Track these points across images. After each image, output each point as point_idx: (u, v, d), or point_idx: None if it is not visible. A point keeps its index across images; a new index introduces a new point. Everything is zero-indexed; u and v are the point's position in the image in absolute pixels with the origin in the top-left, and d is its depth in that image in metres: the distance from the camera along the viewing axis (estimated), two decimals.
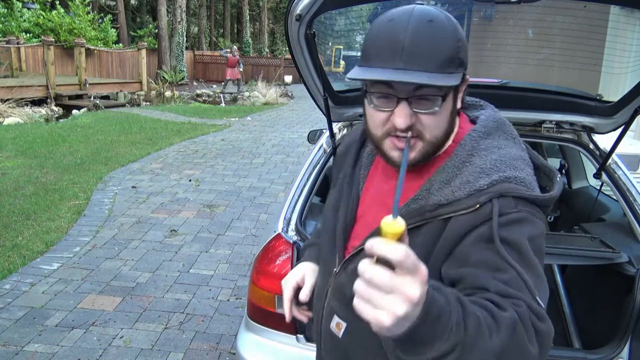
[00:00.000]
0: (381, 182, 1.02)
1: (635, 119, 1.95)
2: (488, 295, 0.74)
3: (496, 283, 0.76)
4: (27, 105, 11.77)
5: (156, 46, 19.82)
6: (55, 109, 12.49)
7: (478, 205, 0.83)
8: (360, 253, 0.95)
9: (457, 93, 0.92)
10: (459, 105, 0.93)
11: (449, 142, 0.95)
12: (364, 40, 0.89)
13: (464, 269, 0.81)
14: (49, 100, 12.60)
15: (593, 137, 2.24)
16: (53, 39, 13.37)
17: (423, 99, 0.85)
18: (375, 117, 0.89)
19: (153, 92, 15.85)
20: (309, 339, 1.84)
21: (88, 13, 16.94)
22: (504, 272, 0.77)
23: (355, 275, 0.60)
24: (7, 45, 13.68)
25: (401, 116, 0.84)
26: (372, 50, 0.86)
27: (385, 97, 0.86)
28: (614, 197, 2.19)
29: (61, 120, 11.24)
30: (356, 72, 0.85)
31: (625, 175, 2.13)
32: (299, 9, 1.64)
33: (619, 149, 2.08)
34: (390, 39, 0.83)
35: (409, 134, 0.86)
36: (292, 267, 1.79)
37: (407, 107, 0.84)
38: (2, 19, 15.24)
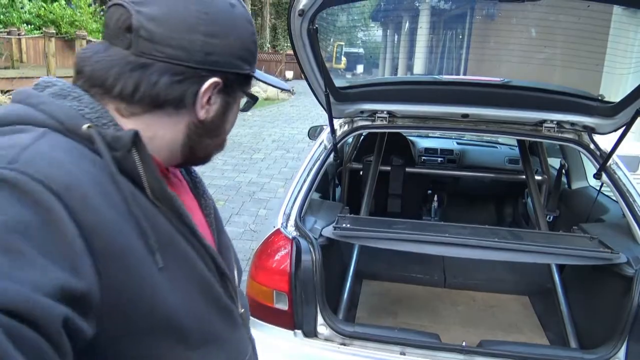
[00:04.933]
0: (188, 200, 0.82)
1: (637, 120, 1.95)
2: None
3: None
4: None
5: None
6: None
7: None
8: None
9: None
10: None
11: None
12: (253, 41, 0.75)
13: None
14: None
15: (594, 138, 2.24)
16: (54, 31, 13.33)
17: None
18: (234, 120, 0.81)
19: None
20: (306, 334, 1.85)
21: (89, 5, 16.86)
22: None
23: None
24: (8, 37, 13.62)
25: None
26: None
27: None
28: (614, 198, 2.20)
29: None
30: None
31: (625, 176, 2.13)
32: (302, 4, 1.64)
33: (620, 150, 2.08)
34: None
35: None
36: (290, 263, 1.80)
37: None
38: (3, 10, 15.18)
